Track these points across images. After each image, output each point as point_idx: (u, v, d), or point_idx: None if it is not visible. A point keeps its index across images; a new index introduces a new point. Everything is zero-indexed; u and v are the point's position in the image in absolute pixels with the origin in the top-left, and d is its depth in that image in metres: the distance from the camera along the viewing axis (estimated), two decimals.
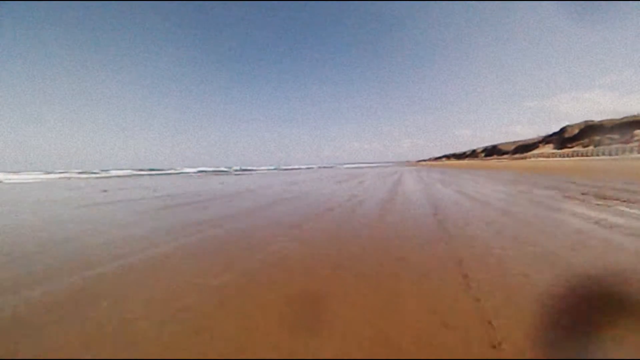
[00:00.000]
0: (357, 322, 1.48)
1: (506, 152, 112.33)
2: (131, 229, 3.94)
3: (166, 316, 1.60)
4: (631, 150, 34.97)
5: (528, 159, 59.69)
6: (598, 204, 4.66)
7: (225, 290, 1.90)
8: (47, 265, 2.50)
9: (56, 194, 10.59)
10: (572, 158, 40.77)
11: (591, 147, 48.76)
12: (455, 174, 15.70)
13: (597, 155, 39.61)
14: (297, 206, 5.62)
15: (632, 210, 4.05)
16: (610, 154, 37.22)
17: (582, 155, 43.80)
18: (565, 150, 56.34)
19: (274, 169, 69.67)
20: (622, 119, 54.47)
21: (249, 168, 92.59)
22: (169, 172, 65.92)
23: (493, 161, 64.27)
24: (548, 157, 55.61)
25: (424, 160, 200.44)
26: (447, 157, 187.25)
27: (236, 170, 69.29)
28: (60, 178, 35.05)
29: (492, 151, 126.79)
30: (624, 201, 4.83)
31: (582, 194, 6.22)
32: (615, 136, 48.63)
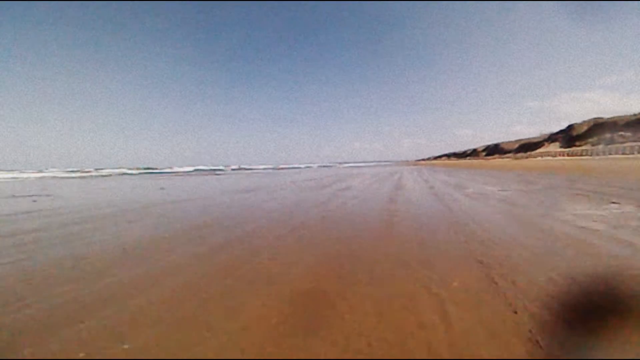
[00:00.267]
0: None
1: (509, 151, 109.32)
2: None
3: None
4: None
5: (533, 158, 57.23)
6: None
7: None
8: None
9: None
10: (581, 157, 38.39)
11: (601, 146, 46.17)
12: (466, 175, 13.59)
13: (610, 154, 37.15)
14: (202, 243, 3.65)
15: None
16: (624, 153, 34.78)
17: (592, 155, 41.36)
18: (573, 149, 53.73)
19: (272, 169, 69.14)
20: (634, 115, 51.69)
21: (246, 167, 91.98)
22: (163, 171, 64.82)
23: (496, 160, 61.83)
24: (555, 155, 53.06)
25: (424, 160, 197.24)
26: (448, 156, 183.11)
27: (233, 169, 68.82)
28: (40, 177, 33.61)
29: (495, 150, 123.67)
30: None
31: None
32: (628, 134, 45.93)
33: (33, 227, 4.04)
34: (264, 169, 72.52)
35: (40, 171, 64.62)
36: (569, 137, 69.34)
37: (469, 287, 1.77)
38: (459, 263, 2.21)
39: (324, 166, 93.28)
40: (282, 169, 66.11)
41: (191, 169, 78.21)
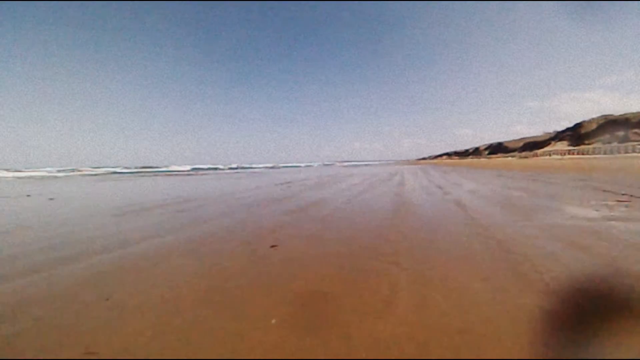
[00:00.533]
0: None
1: (513, 150, 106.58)
2: None
3: None
4: None
5: (540, 157, 55.03)
6: None
7: None
8: None
9: None
10: (594, 156, 36.26)
11: (615, 144, 43.88)
12: (489, 178, 11.92)
13: (627, 152, 34.95)
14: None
15: None
16: None
17: (606, 153, 39.15)
18: (583, 147, 51.43)
19: (271, 167, 68.85)
20: None
21: (245, 166, 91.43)
22: (159, 170, 64.07)
23: (502, 159, 59.73)
24: (563, 154, 50.82)
25: (424, 159, 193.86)
26: (448, 155, 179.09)
27: (231, 168, 68.41)
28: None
29: (497, 149, 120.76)
30: None
31: None
32: None
33: None
34: (264, 167, 72.23)
35: (35, 170, 63.84)
36: (577, 135, 66.78)
37: None
38: None
39: (324, 165, 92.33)
40: (281, 167, 65.23)
41: (189, 167, 77.96)
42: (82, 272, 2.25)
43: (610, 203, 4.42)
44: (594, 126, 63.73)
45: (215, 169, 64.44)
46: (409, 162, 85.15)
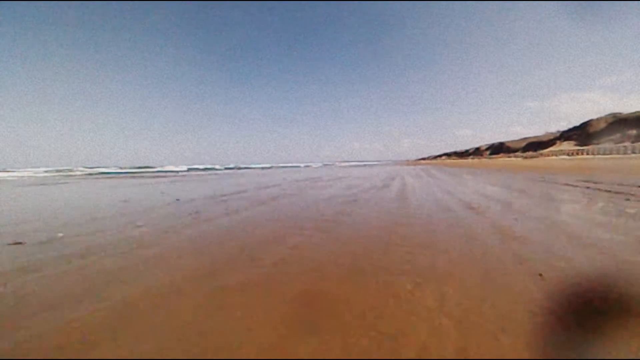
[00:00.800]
0: None
1: (515, 150, 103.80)
2: None
3: None
4: None
5: (546, 157, 52.65)
6: None
7: None
8: None
9: None
10: (608, 156, 33.85)
11: (628, 144, 41.36)
12: (513, 186, 9.87)
13: None
14: None
15: None
16: None
17: (620, 153, 36.69)
18: (592, 147, 48.93)
19: (269, 167, 67.99)
20: None
21: (243, 166, 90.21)
22: (148, 170, 62.72)
23: (501, 159, 57.41)
24: (571, 154, 48.36)
25: (423, 159, 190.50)
26: (448, 155, 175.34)
27: (226, 168, 67.29)
28: None
29: (499, 149, 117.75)
30: None
31: None
32: None
33: None
34: (260, 167, 70.94)
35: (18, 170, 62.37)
36: (585, 134, 63.96)
37: None
38: None
39: (324, 165, 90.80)
40: (279, 167, 63.86)
41: (185, 167, 77.04)
42: None
43: None
44: (603, 125, 60.95)
45: (212, 169, 63.68)
46: (408, 163, 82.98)
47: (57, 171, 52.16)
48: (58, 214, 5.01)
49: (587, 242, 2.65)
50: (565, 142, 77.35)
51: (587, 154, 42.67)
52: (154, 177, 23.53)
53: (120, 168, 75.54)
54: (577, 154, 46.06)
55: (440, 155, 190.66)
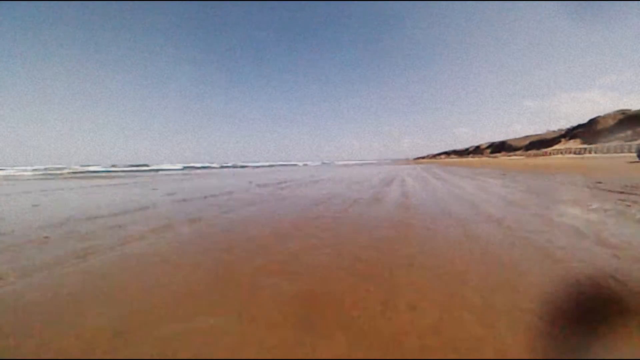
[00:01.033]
0: None
1: (517, 149, 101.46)
2: None
3: None
4: None
5: (552, 156, 50.72)
6: None
7: None
8: None
9: None
10: (621, 154, 31.88)
11: None
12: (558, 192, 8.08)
13: None
14: None
15: None
16: None
17: (631, 151, 34.72)
18: (600, 145, 46.87)
19: (268, 166, 67.10)
20: None
21: (239, 164, 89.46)
22: (142, 169, 61.59)
23: (503, 158, 55.52)
24: (580, 153, 46.37)
25: (423, 158, 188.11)
26: (447, 153, 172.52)
27: (224, 166, 66.85)
28: None
29: (501, 147, 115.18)
30: None
31: None
32: None
33: None
34: (257, 166, 69.88)
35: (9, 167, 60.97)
36: (593, 132, 61.64)
37: None
38: None
39: (323, 164, 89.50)
40: (278, 166, 62.69)
41: (181, 166, 76.36)
42: None
43: None
44: (611, 122, 58.72)
45: (208, 167, 62.86)
46: (407, 162, 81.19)
47: (45, 169, 50.57)
48: None
49: None
50: (571, 140, 75.24)
51: (596, 152, 40.68)
52: (134, 176, 21.84)
53: (113, 166, 74.17)
54: (584, 152, 44.07)
55: (439, 154, 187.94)
